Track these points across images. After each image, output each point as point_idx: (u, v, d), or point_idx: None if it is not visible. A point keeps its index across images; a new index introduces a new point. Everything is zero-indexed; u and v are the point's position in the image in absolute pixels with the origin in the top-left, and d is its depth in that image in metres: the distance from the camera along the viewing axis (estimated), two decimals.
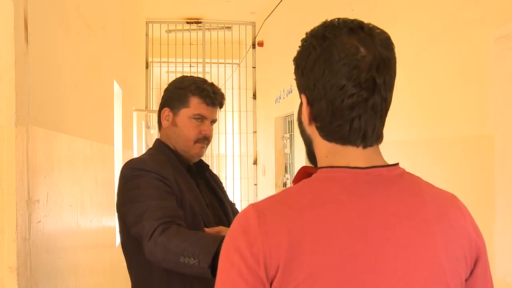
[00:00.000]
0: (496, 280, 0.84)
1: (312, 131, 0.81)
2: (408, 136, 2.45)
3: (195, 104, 1.50)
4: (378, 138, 0.78)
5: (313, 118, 0.78)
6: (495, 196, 1.79)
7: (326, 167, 0.78)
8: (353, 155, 0.77)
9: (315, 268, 0.69)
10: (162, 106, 1.56)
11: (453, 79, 2.09)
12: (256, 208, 0.75)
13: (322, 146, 0.80)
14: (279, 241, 0.70)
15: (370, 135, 0.76)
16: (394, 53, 0.77)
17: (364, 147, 0.77)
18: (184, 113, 1.50)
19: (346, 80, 0.72)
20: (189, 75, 1.65)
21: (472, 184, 1.93)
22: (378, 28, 0.77)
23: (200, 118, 1.50)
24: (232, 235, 0.75)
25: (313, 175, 0.78)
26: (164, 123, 1.54)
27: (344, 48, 0.73)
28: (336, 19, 0.77)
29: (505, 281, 1.72)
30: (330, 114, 0.75)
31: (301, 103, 0.81)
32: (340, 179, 0.76)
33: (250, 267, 0.70)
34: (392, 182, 0.77)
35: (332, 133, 0.77)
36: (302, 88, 0.80)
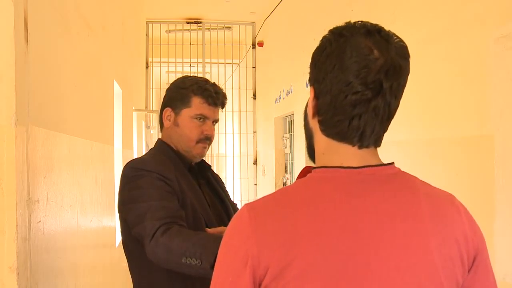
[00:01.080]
0: (496, 281, 0.83)
1: (314, 124, 0.82)
2: (408, 136, 2.45)
3: (197, 104, 1.50)
4: (376, 141, 0.79)
5: (317, 111, 0.79)
6: (495, 196, 1.79)
7: (320, 167, 0.79)
8: (347, 154, 0.78)
9: (306, 266, 0.69)
10: (163, 106, 1.56)
11: (453, 79, 2.09)
12: (250, 207, 0.76)
13: (320, 141, 0.81)
14: (271, 240, 0.71)
15: (368, 136, 0.76)
16: (408, 63, 0.77)
17: (360, 147, 0.77)
18: (186, 113, 1.50)
19: (353, 78, 0.73)
20: (190, 75, 1.65)
21: (472, 184, 1.93)
22: (397, 37, 0.78)
23: (202, 118, 1.50)
24: (226, 235, 0.77)
25: (308, 175, 0.79)
26: (166, 123, 1.54)
27: (358, 47, 0.74)
28: (359, 21, 0.79)
29: (505, 281, 1.72)
30: (332, 109, 0.76)
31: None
32: (333, 179, 0.76)
33: (237, 269, 0.71)
34: (385, 181, 0.77)
35: (331, 128, 0.78)
36: (312, 81, 0.81)
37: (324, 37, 0.80)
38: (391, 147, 2.50)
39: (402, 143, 2.47)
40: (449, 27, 2.12)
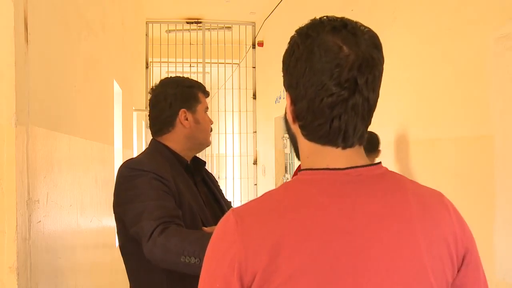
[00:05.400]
0: (496, 280, 0.83)
1: (296, 129, 0.80)
2: (408, 136, 2.45)
3: (203, 98, 1.60)
4: (360, 138, 0.77)
5: (296, 116, 0.78)
6: (495, 196, 1.79)
7: (306, 169, 0.78)
8: (332, 156, 0.76)
9: (294, 270, 0.68)
10: (178, 107, 1.52)
11: (453, 79, 2.09)
12: (236, 212, 0.74)
13: (304, 145, 0.79)
14: (257, 246, 0.70)
15: (351, 135, 0.75)
16: (381, 52, 0.76)
17: (344, 147, 0.76)
18: (200, 109, 1.58)
19: (327, 79, 0.72)
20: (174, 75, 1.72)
21: (472, 184, 1.93)
22: (364, 26, 0.76)
23: (207, 110, 1.62)
24: (212, 240, 0.75)
25: (294, 178, 0.78)
26: (185, 123, 1.52)
27: (326, 47, 0.72)
28: (325, 17, 0.77)
29: (505, 281, 1.72)
30: (311, 114, 0.74)
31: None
32: (319, 181, 0.75)
33: (224, 275, 0.70)
34: (373, 181, 0.76)
35: (313, 132, 0.76)
36: (286, 87, 0.79)
37: (291, 39, 0.78)
38: (391, 147, 2.50)
39: (403, 143, 2.47)
40: (449, 27, 2.12)
